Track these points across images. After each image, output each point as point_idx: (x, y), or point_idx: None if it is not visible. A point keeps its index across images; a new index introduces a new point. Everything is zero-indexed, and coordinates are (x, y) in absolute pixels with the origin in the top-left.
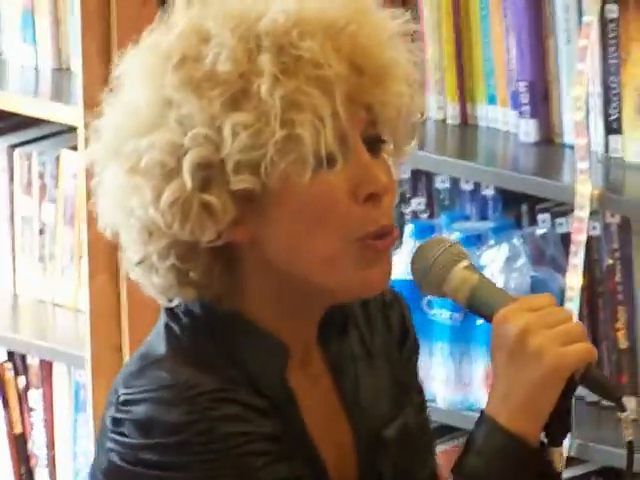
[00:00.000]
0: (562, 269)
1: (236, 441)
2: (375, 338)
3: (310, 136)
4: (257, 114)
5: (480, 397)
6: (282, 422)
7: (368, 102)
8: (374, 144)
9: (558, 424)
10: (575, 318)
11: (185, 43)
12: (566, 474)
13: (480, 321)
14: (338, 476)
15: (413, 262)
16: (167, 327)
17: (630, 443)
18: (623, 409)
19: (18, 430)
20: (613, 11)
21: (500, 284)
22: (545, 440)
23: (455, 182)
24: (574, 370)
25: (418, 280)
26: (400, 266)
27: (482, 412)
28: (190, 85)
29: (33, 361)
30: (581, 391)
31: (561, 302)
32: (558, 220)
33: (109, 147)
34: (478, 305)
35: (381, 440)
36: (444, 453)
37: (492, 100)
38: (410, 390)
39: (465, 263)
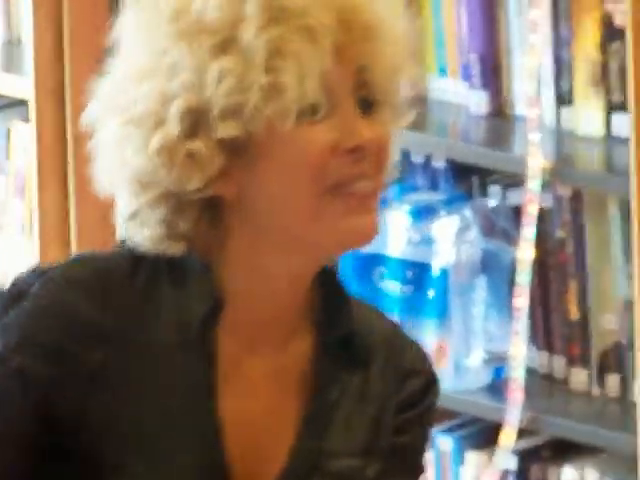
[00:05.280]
0: (513, 241)
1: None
2: (377, 389)
3: (293, 84)
4: (242, 60)
5: None
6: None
7: (357, 59)
8: (367, 106)
9: None
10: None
11: None
12: (517, 446)
13: (431, 292)
14: (245, 471)
15: None
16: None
17: None
18: None
19: None
20: None
21: (451, 257)
22: None
23: (406, 154)
24: None
25: None
26: None
27: None
28: (181, 34)
29: None
30: (532, 362)
31: (513, 274)
32: (509, 192)
33: (107, 103)
34: None
35: (319, 469)
36: None
37: (443, 72)
38: (382, 456)
39: None
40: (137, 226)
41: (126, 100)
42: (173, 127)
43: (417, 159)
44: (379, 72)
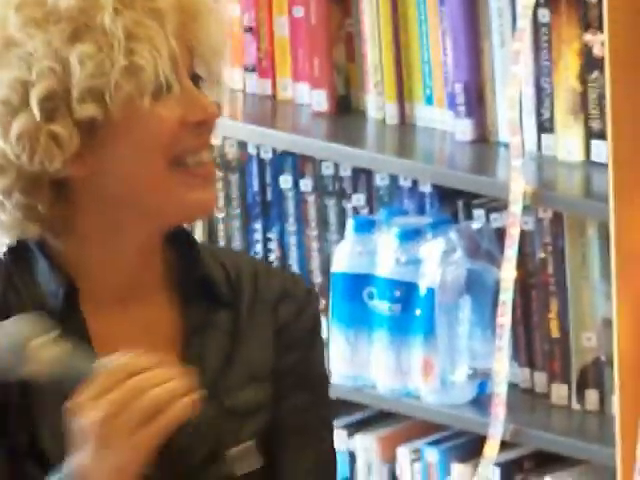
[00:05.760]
0: (497, 262)
1: None
2: (248, 325)
3: (150, 64)
4: (101, 45)
5: (418, 385)
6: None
7: (190, 39)
8: (196, 83)
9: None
10: (178, 372)
11: None
12: (500, 458)
13: (418, 311)
14: None
15: None
16: None
17: None
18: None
19: None
20: (545, 15)
21: (437, 277)
22: None
23: (394, 179)
24: (151, 450)
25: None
26: (343, 260)
27: None
28: (33, 23)
29: None
30: (514, 378)
31: (496, 293)
32: (493, 215)
33: None
34: (65, 381)
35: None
36: (383, 439)
37: (429, 100)
38: (270, 380)
39: (46, 335)
40: None
41: None
42: (34, 112)
43: (405, 184)
44: (208, 51)
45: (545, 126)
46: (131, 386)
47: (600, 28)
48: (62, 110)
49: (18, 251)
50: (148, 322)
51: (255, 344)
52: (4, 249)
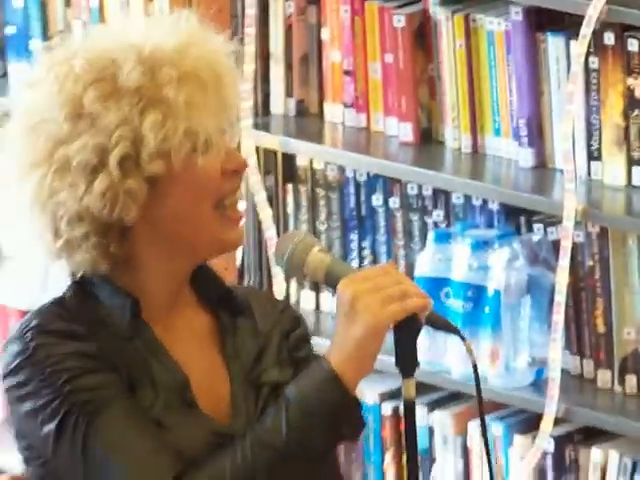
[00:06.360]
0: (553, 268)
1: (48, 361)
2: (264, 325)
3: (202, 128)
4: (166, 114)
5: (485, 370)
6: (134, 348)
7: (222, 101)
8: (222, 133)
9: (409, 359)
10: (411, 281)
11: (96, 66)
12: (554, 432)
13: (486, 309)
14: (213, 405)
15: (276, 253)
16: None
17: (475, 366)
18: (463, 338)
19: None
20: (594, 62)
21: (502, 281)
22: (400, 373)
23: (468, 198)
24: (391, 324)
25: (283, 267)
26: (424, 265)
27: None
28: (106, 97)
29: None
30: (566, 365)
31: (552, 296)
32: (550, 229)
33: (29, 160)
34: (332, 280)
35: (255, 385)
36: (456, 415)
37: (498, 133)
38: (290, 365)
39: (318, 248)
40: (69, 252)
41: (60, 155)
42: (113, 173)
43: (476, 202)
44: (233, 109)
45: (594, 155)
46: (385, 275)
47: None
48: (134, 169)
49: (82, 284)
50: (191, 327)
51: (275, 339)
52: (68, 283)
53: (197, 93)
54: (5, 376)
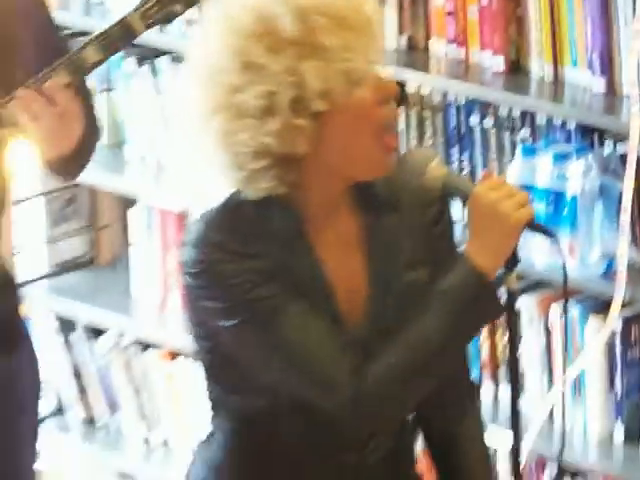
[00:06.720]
0: (621, 177)
1: (227, 274)
2: (410, 221)
3: (356, 66)
4: (325, 59)
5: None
6: (295, 262)
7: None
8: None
9: (512, 259)
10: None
11: (259, 20)
12: (622, 314)
13: (565, 211)
14: (348, 305)
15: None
16: (226, 203)
17: (564, 264)
18: (555, 236)
19: None
20: None
21: (579, 188)
22: (504, 270)
23: (550, 119)
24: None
25: (408, 173)
26: (513, 175)
27: (461, 255)
28: (271, 49)
29: None
30: (631, 259)
31: (620, 199)
32: (618, 144)
33: (210, 106)
34: (451, 188)
35: (394, 282)
36: (540, 300)
37: (575, 64)
38: (428, 264)
39: (437, 161)
40: (252, 182)
41: (238, 100)
42: (284, 113)
43: (557, 122)
44: (380, 44)
45: None
46: (508, 186)
47: None
48: (301, 109)
49: (260, 202)
50: (340, 231)
51: (417, 237)
52: (251, 200)
53: (349, 36)
54: (185, 274)
